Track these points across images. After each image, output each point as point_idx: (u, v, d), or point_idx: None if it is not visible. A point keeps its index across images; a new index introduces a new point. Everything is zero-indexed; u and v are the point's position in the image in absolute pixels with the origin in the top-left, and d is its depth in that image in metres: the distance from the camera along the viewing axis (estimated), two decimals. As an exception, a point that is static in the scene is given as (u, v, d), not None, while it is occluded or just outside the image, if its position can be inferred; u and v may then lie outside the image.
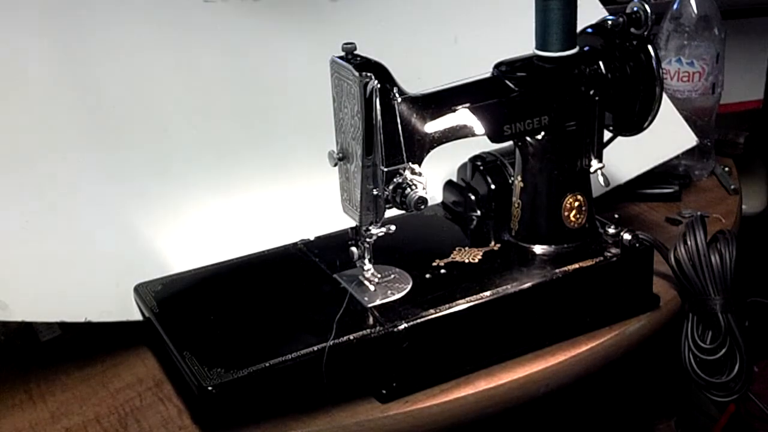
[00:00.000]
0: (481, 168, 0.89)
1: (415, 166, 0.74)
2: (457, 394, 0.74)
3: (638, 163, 1.02)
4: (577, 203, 0.82)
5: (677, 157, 1.07)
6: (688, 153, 1.08)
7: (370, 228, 0.75)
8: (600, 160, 0.83)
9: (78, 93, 0.91)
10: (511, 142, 0.82)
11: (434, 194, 0.87)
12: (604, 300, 0.82)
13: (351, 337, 0.71)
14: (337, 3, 1.08)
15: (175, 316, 0.78)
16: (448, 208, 0.93)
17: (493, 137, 0.78)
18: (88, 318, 0.80)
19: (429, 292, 0.78)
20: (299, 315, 0.77)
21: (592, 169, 0.82)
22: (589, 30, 0.83)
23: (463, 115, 0.76)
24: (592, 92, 0.80)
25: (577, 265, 0.80)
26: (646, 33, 0.80)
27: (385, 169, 0.73)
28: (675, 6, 1.08)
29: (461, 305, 0.76)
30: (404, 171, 0.73)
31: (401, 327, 0.72)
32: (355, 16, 1.07)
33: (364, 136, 0.71)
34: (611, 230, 0.83)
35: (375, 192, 0.73)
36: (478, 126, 0.76)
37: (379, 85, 0.70)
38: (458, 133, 0.77)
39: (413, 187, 0.73)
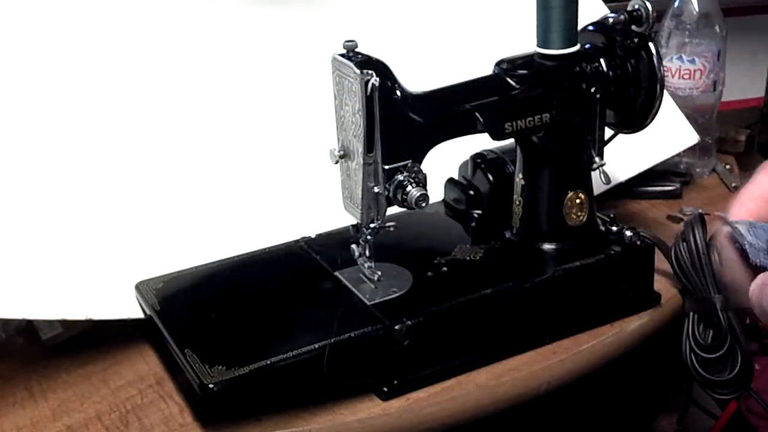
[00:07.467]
0: (483, 165, 0.89)
1: (416, 164, 0.74)
2: (459, 391, 0.74)
3: (639, 160, 1.02)
4: (578, 201, 0.82)
5: (678, 154, 1.07)
6: (690, 151, 1.08)
7: (371, 225, 0.75)
8: (601, 158, 0.82)
9: (77, 90, 0.92)
10: (512, 140, 0.82)
11: (435, 192, 0.87)
12: (606, 297, 0.82)
13: (352, 335, 0.71)
14: (339, 0, 1.08)
15: (177, 313, 0.78)
16: (449, 206, 0.93)
17: (495, 135, 0.78)
18: (90, 315, 0.80)
19: (430, 289, 0.78)
20: (300, 312, 0.77)
21: (593, 167, 0.82)
22: (591, 28, 0.83)
23: (464, 113, 0.76)
24: (593, 90, 0.80)
25: (578, 263, 0.80)
26: (647, 31, 0.80)
27: (386, 167, 0.73)
28: (676, 3, 1.08)
29: (462, 303, 0.76)
30: (405, 168, 0.73)
31: (402, 325, 0.72)
32: (357, 14, 1.07)
33: (365, 134, 0.71)
34: (613, 228, 0.83)
35: (376, 189, 0.73)
36: (479, 123, 0.76)
37: (379, 83, 0.70)
38: (459, 130, 0.77)
39: (414, 184, 0.73)
